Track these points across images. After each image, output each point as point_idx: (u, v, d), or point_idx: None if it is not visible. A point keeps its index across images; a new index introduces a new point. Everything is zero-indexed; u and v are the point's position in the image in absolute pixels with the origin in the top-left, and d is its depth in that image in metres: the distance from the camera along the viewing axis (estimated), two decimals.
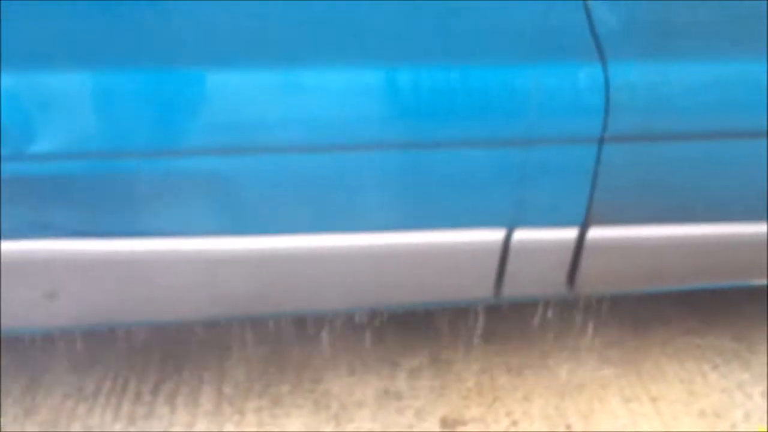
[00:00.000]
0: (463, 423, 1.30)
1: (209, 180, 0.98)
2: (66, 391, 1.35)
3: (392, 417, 1.31)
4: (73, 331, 1.39)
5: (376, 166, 1.01)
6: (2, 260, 0.99)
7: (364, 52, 0.95)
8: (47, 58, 0.89)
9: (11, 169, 0.92)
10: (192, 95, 0.93)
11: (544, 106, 0.99)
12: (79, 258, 1.01)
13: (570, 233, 1.11)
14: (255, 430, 1.28)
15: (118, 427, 1.28)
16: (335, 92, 0.95)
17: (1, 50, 0.87)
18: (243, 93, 0.93)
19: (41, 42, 0.88)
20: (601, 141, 1.02)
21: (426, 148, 1.00)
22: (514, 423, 1.30)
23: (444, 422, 1.30)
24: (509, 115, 0.99)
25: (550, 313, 1.54)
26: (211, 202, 1.00)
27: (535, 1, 0.94)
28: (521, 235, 1.10)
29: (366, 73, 0.96)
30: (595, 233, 1.12)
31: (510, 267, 1.13)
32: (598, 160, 1.04)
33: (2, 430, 1.26)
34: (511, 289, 1.17)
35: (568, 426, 1.30)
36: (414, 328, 1.53)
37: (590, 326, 1.53)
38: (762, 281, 1.28)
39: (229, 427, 1.28)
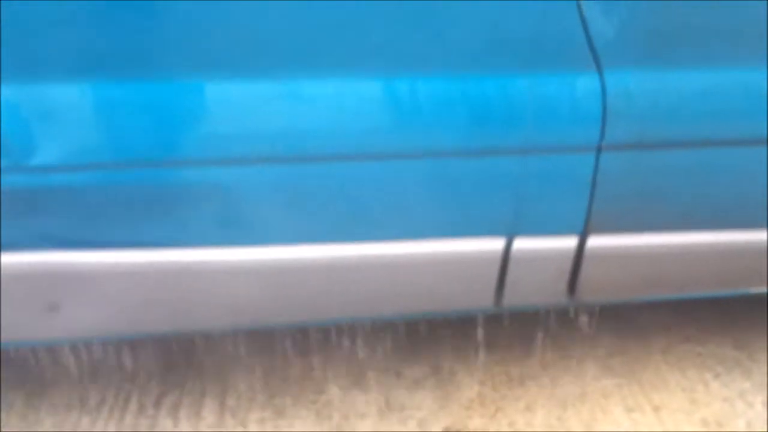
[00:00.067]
0: None
1: (210, 190, 0.98)
2: (69, 403, 1.35)
3: (394, 428, 1.31)
4: (76, 343, 1.39)
5: (375, 176, 1.01)
6: (3, 272, 0.99)
7: (363, 62, 0.96)
8: (47, 69, 0.90)
9: (11, 181, 0.93)
10: (192, 106, 0.94)
11: (542, 115, 1.00)
12: (80, 270, 1.01)
13: (569, 242, 1.12)
14: None
15: None
16: (335, 102, 0.96)
17: (1, 62, 0.88)
18: (243, 103, 0.94)
19: (41, 53, 0.89)
20: (598, 149, 1.03)
21: (425, 157, 1.01)
22: None
23: None
24: (507, 125, 1.00)
25: (550, 323, 1.54)
26: (212, 212, 1.01)
27: (532, 10, 0.95)
28: (521, 244, 1.10)
29: (365, 82, 0.96)
30: (594, 242, 1.12)
31: (510, 276, 1.13)
32: (596, 169, 1.04)
33: None
34: (512, 299, 1.17)
35: None
36: (416, 338, 1.53)
37: (591, 335, 1.53)
38: (762, 289, 1.27)
39: None
